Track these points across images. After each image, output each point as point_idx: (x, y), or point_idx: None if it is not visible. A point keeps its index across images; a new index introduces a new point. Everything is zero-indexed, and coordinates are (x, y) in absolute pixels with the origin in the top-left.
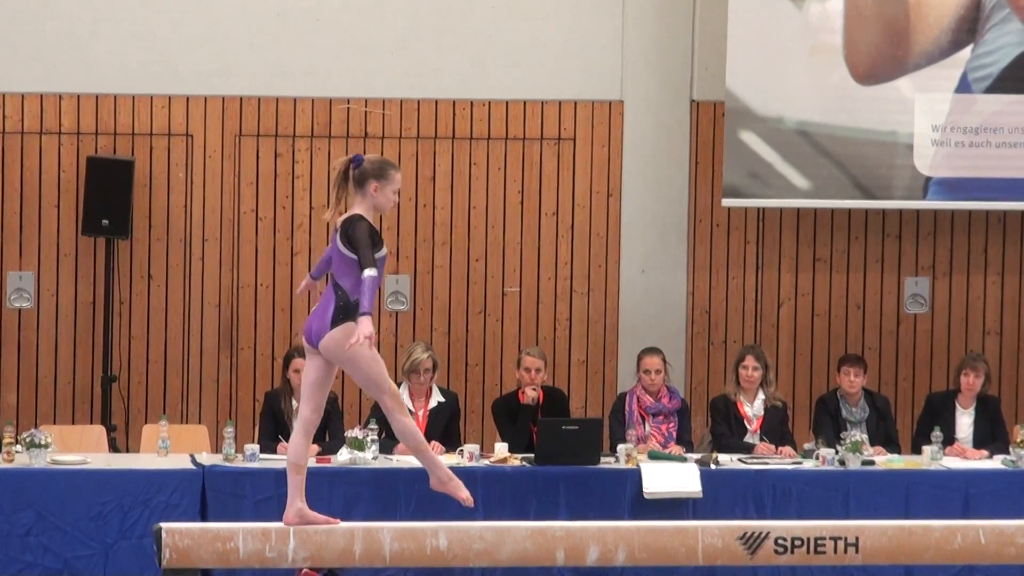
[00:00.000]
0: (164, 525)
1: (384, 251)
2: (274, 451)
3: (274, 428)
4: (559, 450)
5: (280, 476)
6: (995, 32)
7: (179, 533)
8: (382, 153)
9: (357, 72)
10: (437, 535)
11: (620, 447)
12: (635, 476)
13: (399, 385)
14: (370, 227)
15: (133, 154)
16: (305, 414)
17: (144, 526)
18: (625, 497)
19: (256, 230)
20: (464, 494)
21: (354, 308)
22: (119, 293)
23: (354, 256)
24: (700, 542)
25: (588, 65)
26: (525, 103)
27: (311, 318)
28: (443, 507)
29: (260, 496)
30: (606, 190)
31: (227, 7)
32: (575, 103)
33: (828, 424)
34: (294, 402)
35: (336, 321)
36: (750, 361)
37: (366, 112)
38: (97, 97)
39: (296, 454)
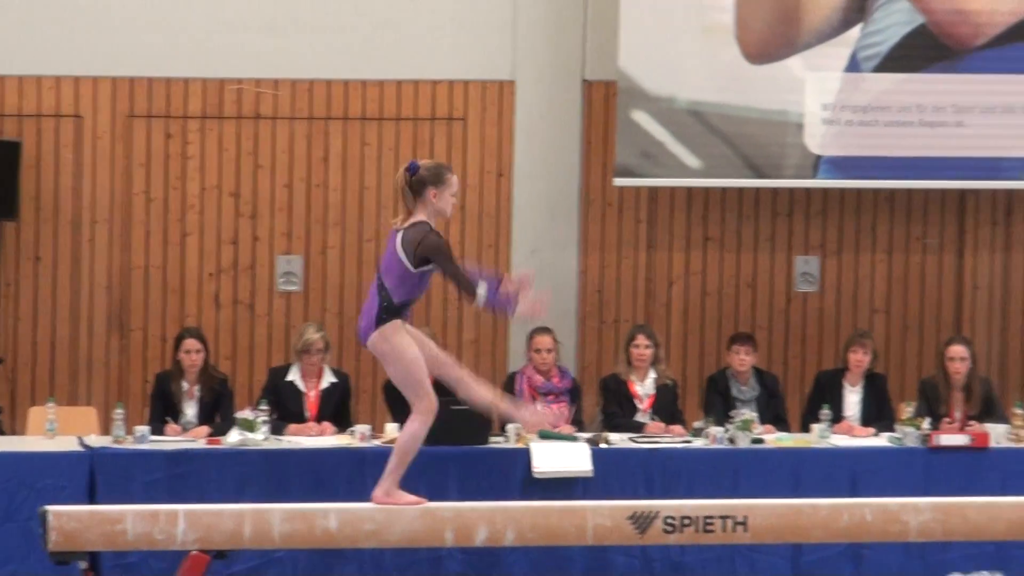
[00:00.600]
0: (50, 508)
1: (432, 266)
2: (163, 433)
3: (164, 409)
4: (449, 430)
5: (170, 457)
6: (883, 11)
7: (65, 516)
8: (274, 136)
9: (249, 53)
10: (327, 516)
11: (510, 427)
12: (525, 456)
13: (290, 366)
14: (443, 242)
15: (21, 135)
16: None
17: (30, 509)
18: (515, 477)
19: (147, 211)
20: (550, 416)
21: (397, 308)
22: (5, 275)
23: (410, 266)
24: (589, 522)
25: (479, 45)
26: (417, 83)
27: (360, 316)
28: (334, 489)
29: (150, 478)
30: (497, 170)
31: None
32: (466, 83)
33: (718, 403)
34: (184, 383)
35: (380, 321)
36: (641, 340)
37: (258, 93)
38: None
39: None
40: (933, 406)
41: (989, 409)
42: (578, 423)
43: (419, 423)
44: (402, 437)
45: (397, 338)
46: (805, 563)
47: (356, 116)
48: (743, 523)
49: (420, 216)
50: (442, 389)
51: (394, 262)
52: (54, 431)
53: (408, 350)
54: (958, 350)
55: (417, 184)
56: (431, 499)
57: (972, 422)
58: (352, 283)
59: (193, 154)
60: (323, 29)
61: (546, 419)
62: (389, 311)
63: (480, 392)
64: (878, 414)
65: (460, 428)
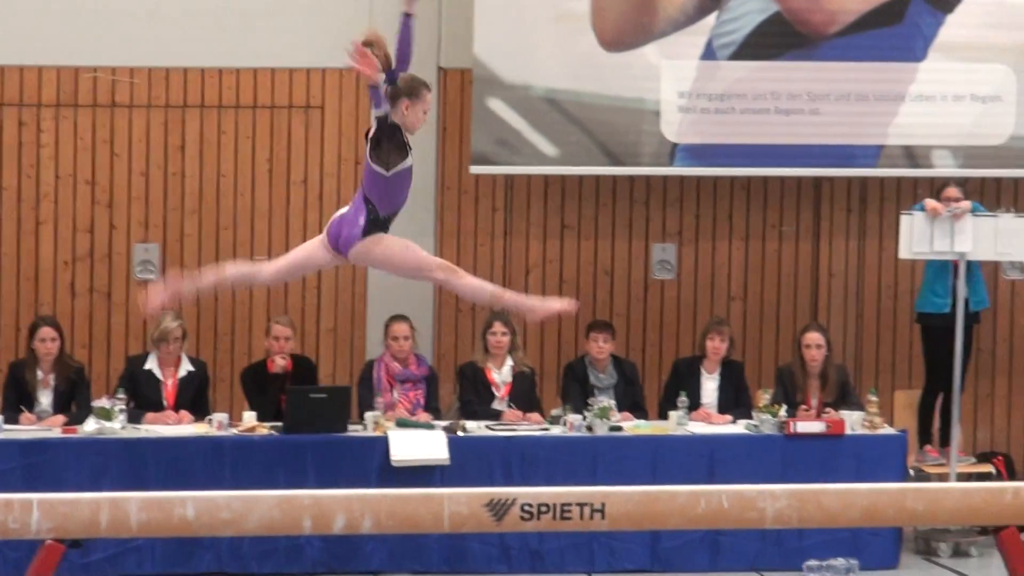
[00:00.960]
0: None
1: (410, 161)
2: (17, 421)
3: (17, 398)
4: (307, 418)
5: (24, 447)
6: None
7: None
8: (130, 123)
9: (104, 40)
10: (184, 505)
11: (368, 415)
12: (383, 444)
13: (147, 354)
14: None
15: None
16: (261, 265)
17: None
18: (373, 465)
19: (0, 199)
20: (559, 304)
21: (383, 222)
22: None
23: (382, 170)
24: (446, 509)
25: (336, 33)
26: (273, 71)
27: (339, 225)
28: (192, 477)
29: (3, 467)
30: (354, 158)
31: None
32: (323, 71)
33: (576, 390)
34: (39, 372)
35: (365, 233)
36: (498, 328)
37: (113, 81)
38: None
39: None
40: (790, 393)
41: (845, 396)
42: (435, 411)
43: (463, 275)
44: (479, 292)
45: (384, 241)
46: (663, 550)
47: (213, 104)
48: (600, 510)
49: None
50: (301, 379)
51: (368, 172)
52: None
53: (396, 243)
54: (814, 337)
55: (393, 94)
56: (289, 487)
57: (828, 409)
58: None
59: (47, 142)
60: (180, 17)
61: (553, 307)
62: (376, 224)
63: (478, 287)
64: (735, 401)
65: (319, 416)
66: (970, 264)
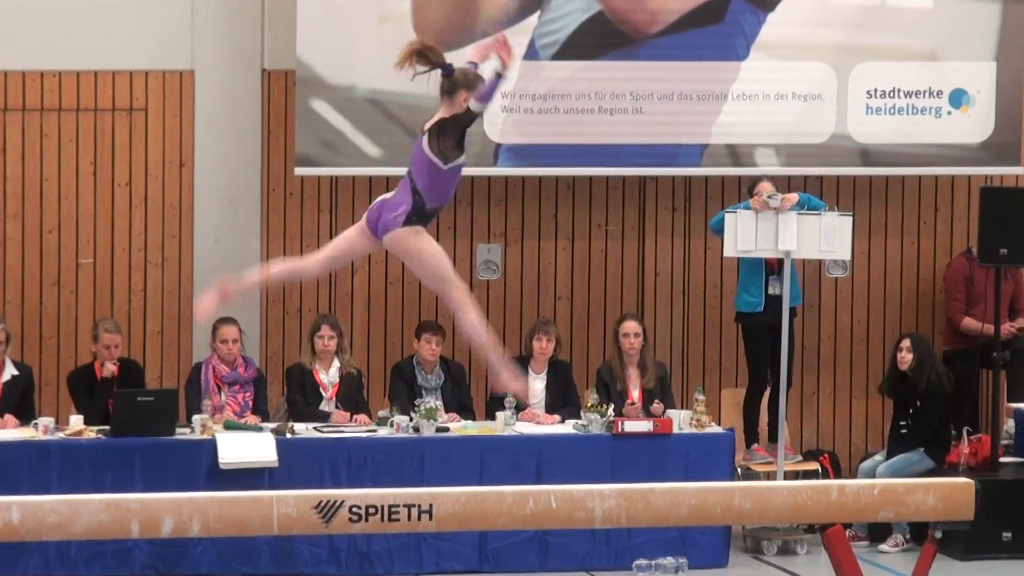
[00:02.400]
0: None
1: (464, 158)
2: None
3: None
4: (135, 422)
5: None
6: None
7: None
8: None
9: None
10: (9, 509)
11: (195, 417)
12: (211, 446)
13: None
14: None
15: None
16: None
17: None
18: (201, 468)
19: None
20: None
21: (428, 215)
22: None
23: (440, 162)
24: (275, 511)
25: (158, 35)
26: (96, 73)
27: (380, 209)
28: (18, 482)
29: None
30: (179, 160)
31: None
32: (146, 73)
33: (403, 391)
34: None
35: (408, 222)
36: (326, 330)
37: None
38: None
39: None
40: (611, 387)
41: (663, 391)
42: (263, 413)
43: (472, 311)
44: (474, 334)
45: (422, 237)
46: (491, 550)
47: (35, 107)
48: (428, 511)
49: (444, 114)
50: (128, 382)
51: (423, 163)
52: None
53: (433, 244)
54: (631, 326)
55: (450, 86)
56: (117, 491)
57: (655, 403)
58: (34, 275)
59: None
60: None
61: (522, 389)
62: (420, 215)
63: (476, 329)
64: (563, 401)
65: (147, 419)
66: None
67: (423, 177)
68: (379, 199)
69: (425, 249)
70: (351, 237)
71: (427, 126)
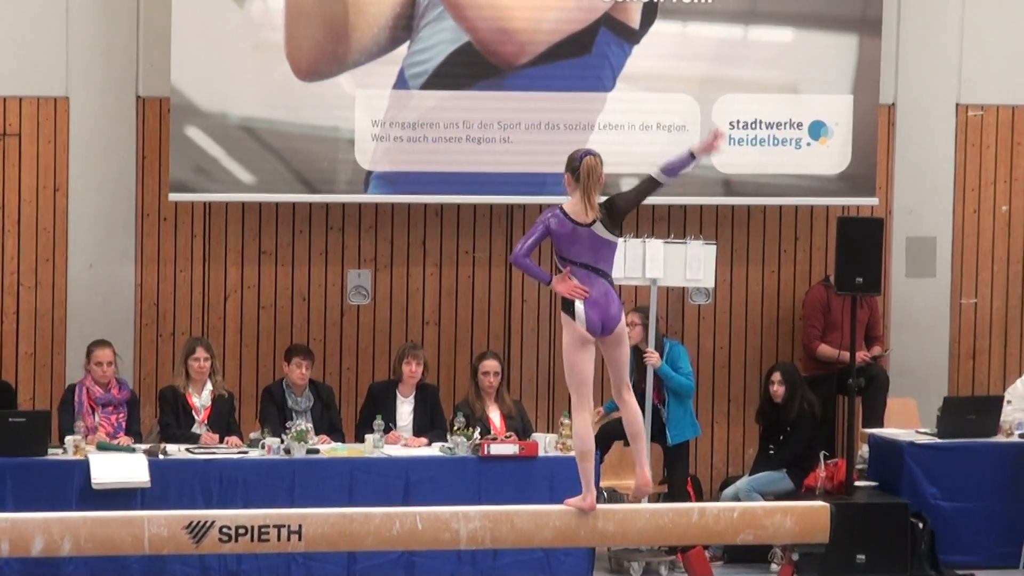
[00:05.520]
0: None
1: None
2: None
3: None
4: (6, 442)
5: None
6: (430, 30)
7: None
8: None
9: None
10: None
11: (68, 438)
12: (83, 467)
13: None
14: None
15: None
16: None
17: None
18: (73, 488)
19: None
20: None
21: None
22: None
23: (615, 239)
24: (147, 531)
25: (33, 61)
26: None
27: (600, 309)
28: None
29: None
30: (53, 185)
31: None
32: (20, 99)
33: (274, 414)
34: None
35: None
36: (201, 353)
37: None
38: None
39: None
40: (471, 422)
41: (523, 418)
42: (136, 434)
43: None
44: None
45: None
46: (359, 570)
47: None
48: (298, 532)
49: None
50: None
51: (609, 248)
52: None
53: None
54: (491, 364)
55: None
56: None
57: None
58: None
59: None
60: None
61: (644, 493)
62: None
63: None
64: (430, 424)
65: (19, 440)
66: None
67: (607, 261)
68: (579, 309)
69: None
70: (585, 361)
71: (596, 217)
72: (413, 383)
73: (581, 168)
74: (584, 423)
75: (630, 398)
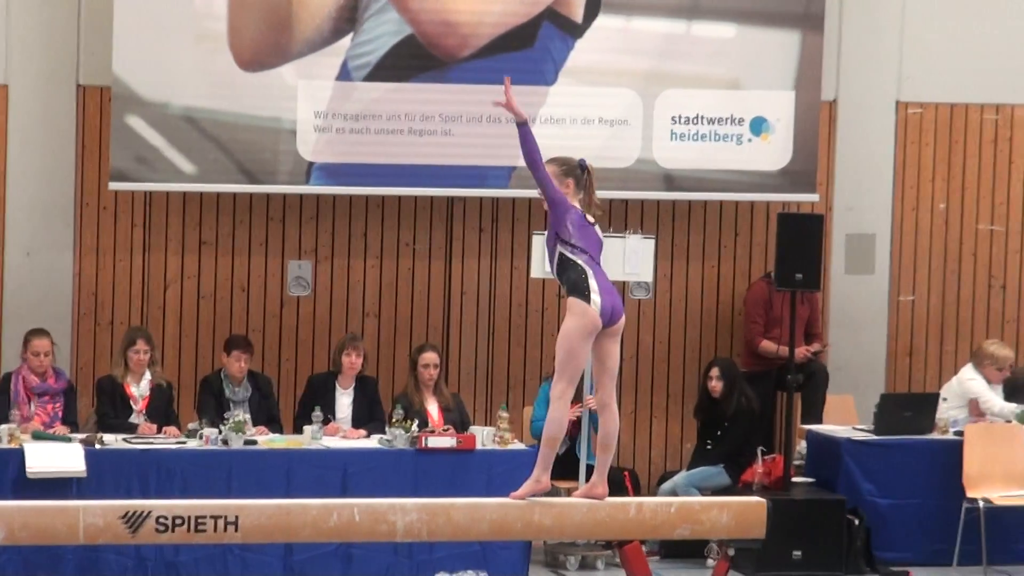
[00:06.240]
0: None
1: None
2: None
3: None
4: None
5: None
6: (373, 21)
7: None
8: None
9: None
10: None
11: (3, 427)
12: (18, 456)
13: None
14: None
15: None
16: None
17: None
18: (7, 477)
19: None
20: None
21: None
22: None
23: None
24: (82, 521)
25: None
26: None
27: (611, 297)
28: None
29: None
30: None
31: None
32: None
33: (212, 404)
34: None
35: None
36: (141, 344)
37: None
38: None
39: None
40: (409, 414)
41: (460, 412)
42: (73, 424)
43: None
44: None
45: None
46: (296, 562)
47: None
48: (235, 523)
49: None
50: None
51: (600, 242)
52: None
53: None
54: (430, 356)
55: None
56: None
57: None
58: None
59: None
60: None
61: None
62: None
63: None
64: (370, 416)
65: None
66: None
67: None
68: (594, 295)
69: None
70: (588, 349)
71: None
72: (352, 375)
73: (587, 174)
74: (565, 410)
75: (614, 405)
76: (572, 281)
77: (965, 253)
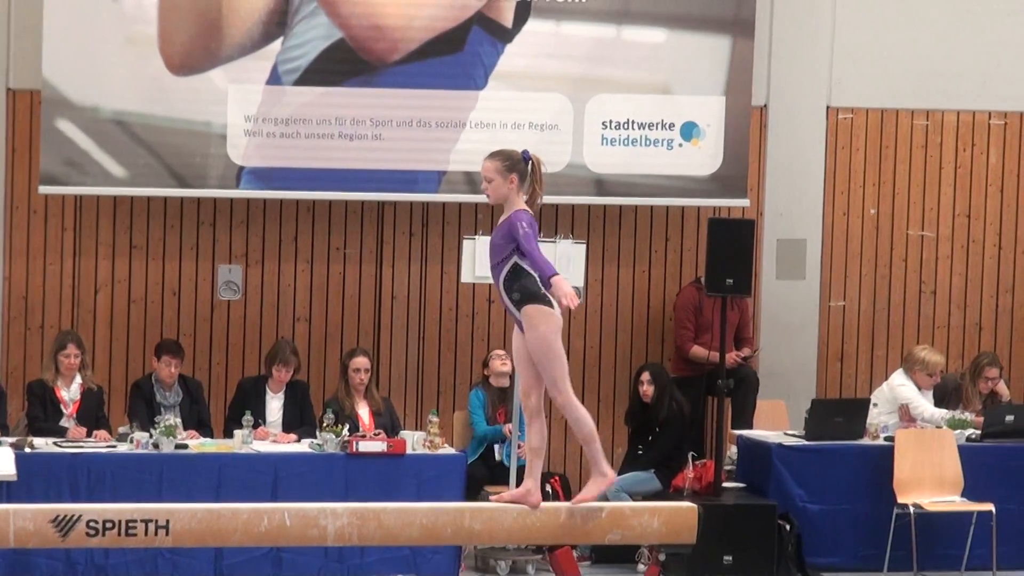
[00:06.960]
0: None
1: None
2: None
3: None
4: None
5: None
6: (304, 25)
7: None
8: None
9: None
10: None
11: None
12: None
13: None
14: None
15: None
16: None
17: None
18: None
19: None
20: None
21: None
22: None
23: None
24: (12, 525)
25: None
26: None
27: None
28: None
29: None
30: None
31: None
32: None
33: (143, 408)
34: None
35: None
36: (71, 348)
37: None
38: None
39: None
40: (340, 418)
41: (391, 416)
42: (3, 427)
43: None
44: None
45: None
46: (227, 566)
47: None
48: (165, 527)
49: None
50: None
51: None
52: None
53: None
54: (362, 361)
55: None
56: None
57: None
58: None
59: None
60: None
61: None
62: None
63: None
64: (300, 420)
65: None
66: None
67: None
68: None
69: None
70: (562, 347)
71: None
72: (283, 380)
73: (532, 166)
74: (580, 406)
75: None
76: (528, 289)
77: (895, 259)
